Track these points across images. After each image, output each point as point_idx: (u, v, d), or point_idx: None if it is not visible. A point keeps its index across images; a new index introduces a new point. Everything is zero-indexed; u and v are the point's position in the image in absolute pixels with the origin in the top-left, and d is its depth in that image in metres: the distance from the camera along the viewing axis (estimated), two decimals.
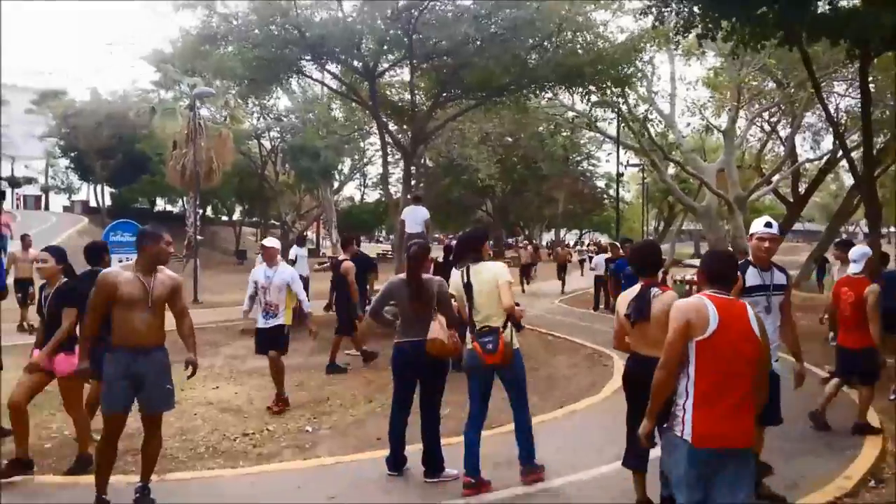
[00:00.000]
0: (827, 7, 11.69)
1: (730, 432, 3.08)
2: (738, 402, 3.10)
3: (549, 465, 5.22)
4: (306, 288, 14.15)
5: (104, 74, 79.80)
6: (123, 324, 4.49)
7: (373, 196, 46.74)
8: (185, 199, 37.44)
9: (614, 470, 4.96)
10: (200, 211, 28.67)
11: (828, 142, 26.21)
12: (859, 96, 22.44)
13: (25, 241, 13.60)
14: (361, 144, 37.58)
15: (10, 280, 12.04)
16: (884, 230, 55.85)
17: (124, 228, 16.78)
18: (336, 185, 42.19)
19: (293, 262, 12.85)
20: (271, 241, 8.63)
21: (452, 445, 5.43)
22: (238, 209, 44.33)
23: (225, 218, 44.46)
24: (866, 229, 56.22)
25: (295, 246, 14.50)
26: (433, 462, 5.24)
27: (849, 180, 38.15)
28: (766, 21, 11.58)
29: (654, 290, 4.24)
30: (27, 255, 12.73)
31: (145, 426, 4.74)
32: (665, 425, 3.32)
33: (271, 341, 7.83)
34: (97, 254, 6.06)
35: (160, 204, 47.06)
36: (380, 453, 5.60)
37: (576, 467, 5.43)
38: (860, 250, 6.93)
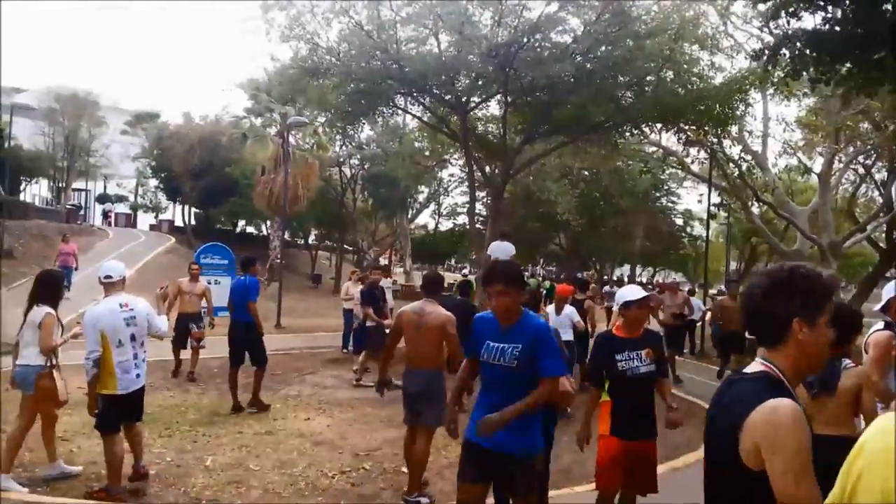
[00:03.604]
0: None
1: None
2: None
3: None
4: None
5: (195, 99, 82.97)
6: None
7: (446, 225, 46.96)
8: (267, 222, 38.44)
9: None
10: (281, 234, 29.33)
11: None
12: None
13: (193, 271, 11.46)
14: (439, 174, 37.89)
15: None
16: None
17: (214, 251, 17.28)
18: (411, 213, 42.58)
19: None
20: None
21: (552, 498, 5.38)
22: (313, 233, 45.15)
23: (301, 242, 45.35)
24: None
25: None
26: None
27: None
28: (882, 66, 11.19)
29: (846, 362, 3.92)
30: (195, 288, 11.05)
31: None
32: None
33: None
34: None
35: (240, 226, 48.38)
36: None
37: None
38: None
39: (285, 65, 19.46)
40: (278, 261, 25.99)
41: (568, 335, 9.00)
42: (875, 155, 24.42)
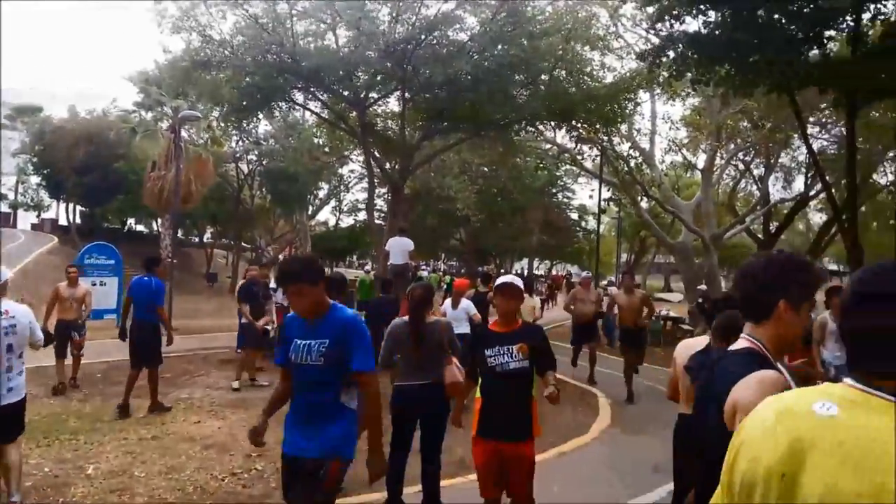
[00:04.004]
0: (816, 54, 12.07)
1: None
2: None
3: None
4: None
5: (82, 92, 78.95)
6: None
7: (347, 222, 46.63)
8: (157, 219, 36.99)
9: None
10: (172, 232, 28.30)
11: (799, 182, 27.06)
12: (830, 139, 23.33)
13: (70, 275, 10.50)
14: (339, 170, 37.55)
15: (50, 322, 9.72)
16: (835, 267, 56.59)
17: (99, 251, 16.49)
18: (311, 210, 42.01)
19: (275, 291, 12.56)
20: None
21: (445, 488, 5.44)
22: (209, 231, 43.84)
23: (195, 240, 43.91)
24: (831, 266, 57.55)
25: None
26: None
27: (816, 219, 39.32)
28: (757, 69, 11.94)
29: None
30: (75, 292, 10.25)
31: None
32: None
33: None
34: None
35: (129, 224, 46.49)
36: (375, 496, 5.50)
37: None
38: None
39: (177, 57, 18.79)
40: (170, 259, 25.06)
41: (464, 328, 9.13)
42: (753, 152, 26.05)
